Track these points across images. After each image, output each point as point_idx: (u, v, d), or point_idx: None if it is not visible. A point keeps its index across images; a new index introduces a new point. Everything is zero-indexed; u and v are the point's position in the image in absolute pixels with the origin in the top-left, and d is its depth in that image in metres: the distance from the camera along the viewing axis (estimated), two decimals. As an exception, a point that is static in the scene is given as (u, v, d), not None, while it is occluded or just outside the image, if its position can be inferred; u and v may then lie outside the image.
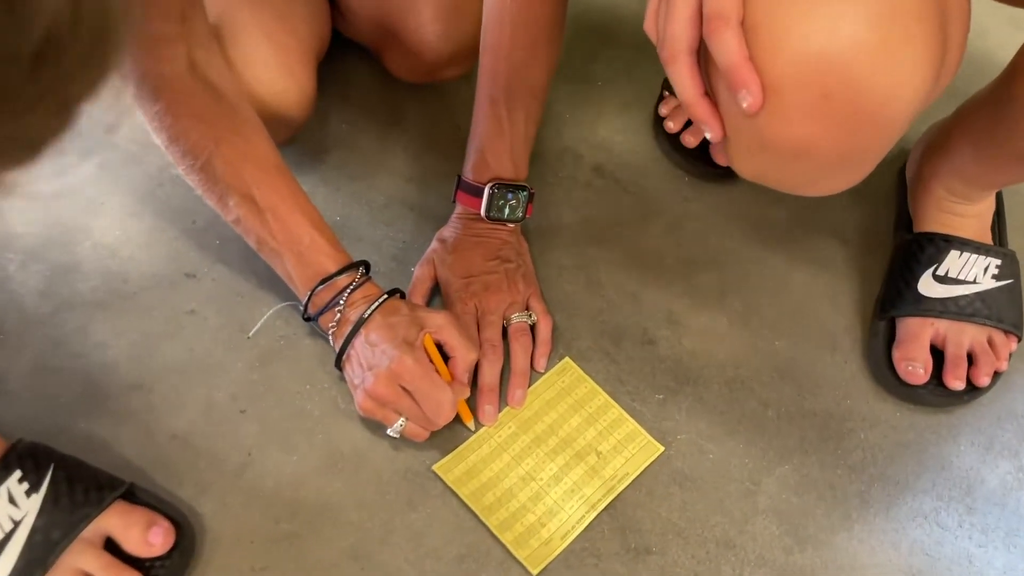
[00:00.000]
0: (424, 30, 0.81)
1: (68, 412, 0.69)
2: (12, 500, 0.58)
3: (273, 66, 0.75)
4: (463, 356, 0.67)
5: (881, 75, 0.44)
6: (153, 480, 0.66)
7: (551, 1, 0.70)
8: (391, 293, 0.67)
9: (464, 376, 0.67)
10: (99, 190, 0.82)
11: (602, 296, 0.80)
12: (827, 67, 0.44)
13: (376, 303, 0.66)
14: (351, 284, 0.67)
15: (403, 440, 0.68)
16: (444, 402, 0.64)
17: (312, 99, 0.79)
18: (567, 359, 0.75)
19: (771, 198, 0.87)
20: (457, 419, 0.69)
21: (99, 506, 0.61)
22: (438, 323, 0.66)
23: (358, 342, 0.65)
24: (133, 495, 0.63)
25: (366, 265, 0.69)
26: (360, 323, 0.65)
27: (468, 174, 0.75)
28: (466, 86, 0.82)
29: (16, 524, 0.58)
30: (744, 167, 0.52)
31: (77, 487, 0.61)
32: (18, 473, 0.60)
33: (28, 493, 0.59)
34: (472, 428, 0.70)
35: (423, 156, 0.88)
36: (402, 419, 0.65)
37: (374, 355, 0.64)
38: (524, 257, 0.77)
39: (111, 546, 0.61)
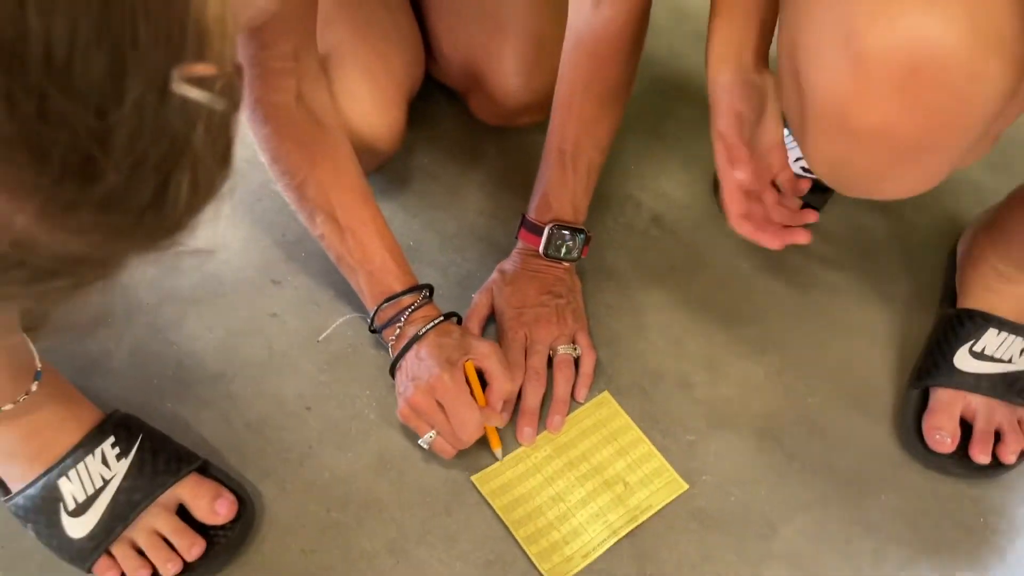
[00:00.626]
0: (506, 80, 0.89)
1: (159, 392, 0.78)
2: (105, 461, 0.67)
3: (370, 102, 0.84)
4: (499, 386, 0.73)
5: (970, 63, 0.46)
6: (225, 460, 0.75)
7: (620, 68, 0.77)
8: (447, 316, 0.75)
9: (497, 404, 0.73)
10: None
11: (646, 338, 0.85)
12: (920, 44, 0.46)
13: (432, 324, 0.73)
14: (413, 304, 0.74)
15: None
16: (469, 421, 0.70)
17: (402, 134, 0.87)
18: (606, 393, 0.81)
19: (822, 261, 0.91)
20: (485, 443, 0.75)
21: (176, 475, 0.69)
22: (482, 351, 0.73)
23: (410, 355, 0.73)
24: (206, 470, 0.71)
25: (430, 288, 0.76)
26: (415, 339, 0.73)
27: (531, 214, 0.82)
28: (540, 132, 0.89)
29: (106, 483, 0.67)
30: (818, 155, 0.55)
31: (159, 457, 0.69)
32: (112, 439, 0.68)
33: (118, 457, 0.68)
34: (498, 456, 0.76)
35: (496, 193, 0.96)
36: (432, 432, 0.72)
37: (419, 368, 0.71)
38: (575, 294, 0.83)
39: (182, 513, 0.69)
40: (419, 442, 0.73)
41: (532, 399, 0.77)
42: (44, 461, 0.67)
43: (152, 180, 0.31)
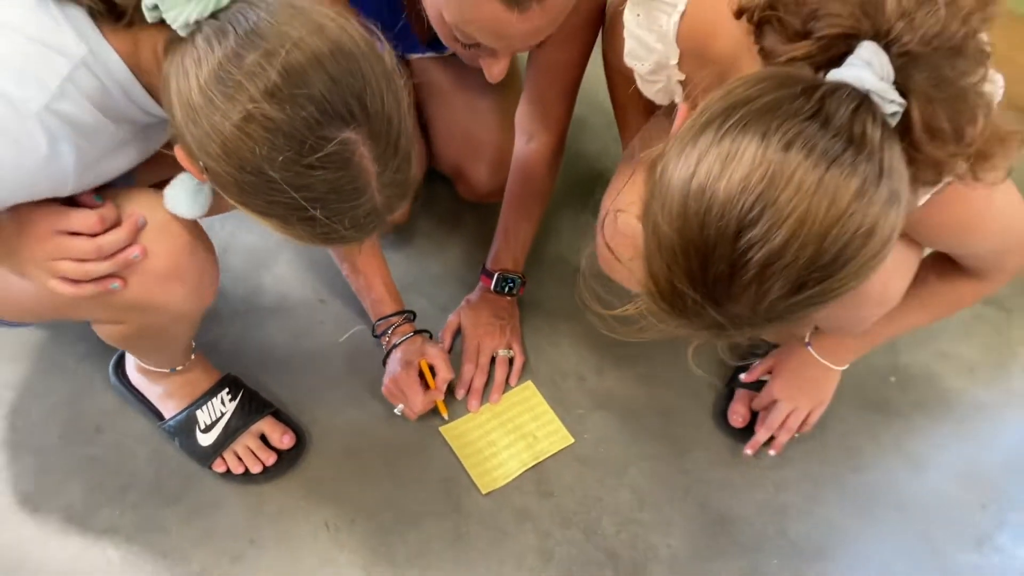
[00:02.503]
0: (480, 177, 1.36)
1: (249, 367, 1.24)
2: (222, 402, 1.14)
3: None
4: (443, 375, 1.19)
5: None
6: (289, 410, 1.21)
7: (543, 180, 1.24)
8: (418, 332, 1.21)
9: (442, 386, 1.19)
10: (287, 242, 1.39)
11: (559, 349, 1.31)
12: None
13: (405, 337, 1.20)
14: (397, 323, 1.21)
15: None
16: (415, 401, 1.16)
17: (409, 208, 1.33)
18: (529, 382, 1.27)
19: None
20: (436, 410, 1.21)
21: (260, 415, 1.15)
22: (432, 354, 1.19)
23: (391, 356, 1.19)
24: (278, 414, 1.18)
25: (412, 313, 1.23)
26: (394, 346, 1.20)
27: (488, 264, 1.29)
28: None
29: (222, 415, 1.13)
30: None
31: (252, 404, 1.16)
32: (226, 390, 1.15)
33: (229, 401, 1.14)
34: (445, 418, 1.21)
35: (471, 249, 1.42)
36: (401, 405, 1.18)
37: (393, 365, 1.18)
38: (514, 318, 1.30)
39: (264, 439, 1.16)
40: (394, 411, 1.20)
41: (478, 383, 1.23)
42: (188, 400, 1.13)
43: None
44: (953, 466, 1.24)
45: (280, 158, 0.68)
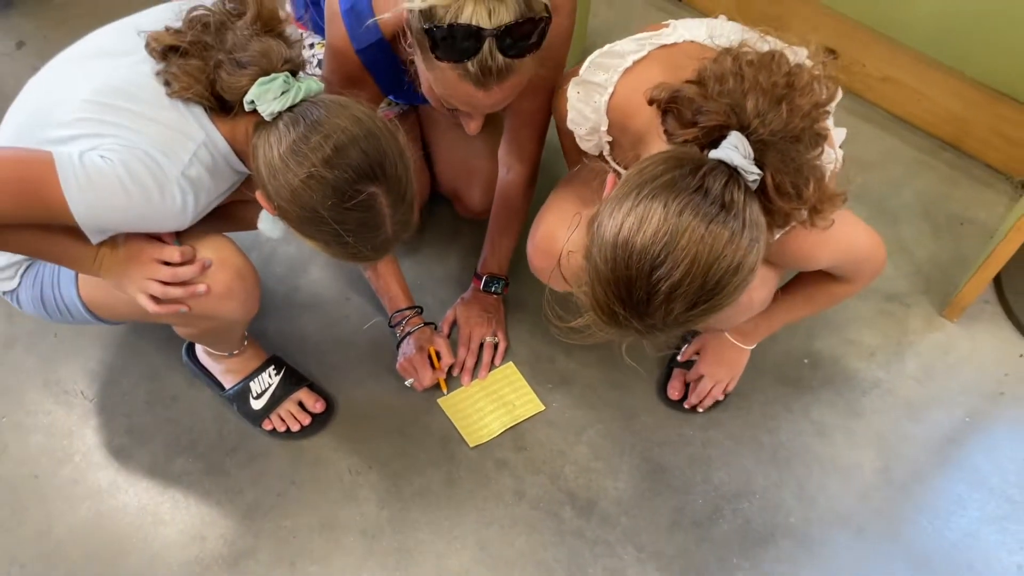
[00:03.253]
0: (474, 199, 1.68)
1: (290, 350, 1.58)
2: (269, 376, 1.48)
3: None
4: (445, 360, 1.53)
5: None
6: (321, 383, 1.54)
7: (521, 201, 1.56)
8: (427, 323, 1.54)
9: (444, 368, 1.52)
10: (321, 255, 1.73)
11: (537, 337, 1.63)
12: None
13: (416, 327, 1.53)
14: (410, 316, 1.54)
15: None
16: (423, 376, 1.50)
17: (416, 223, 1.66)
18: (511, 363, 1.59)
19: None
20: (438, 385, 1.54)
21: (298, 387, 1.49)
22: (439, 343, 1.53)
23: (406, 340, 1.53)
24: (312, 386, 1.51)
25: (420, 308, 1.56)
26: (407, 334, 1.53)
27: (478, 269, 1.62)
28: (491, 225, 1.68)
29: (269, 386, 1.47)
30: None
31: (292, 378, 1.50)
32: (272, 367, 1.49)
33: (274, 375, 1.48)
34: (444, 392, 1.54)
35: (467, 257, 1.75)
36: (411, 379, 1.51)
37: (407, 347, 1.52)
38: (500, 312, 1.62)
39: (301, 405, 1.49)
40: (405, 383, 1.53)
41: (469, 363, 1.56)
42: (243, 375, 1.47)
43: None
44: (852, 431, 1.54)
45: (329, 203, 1.02)
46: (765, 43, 1.01)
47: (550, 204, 1.35)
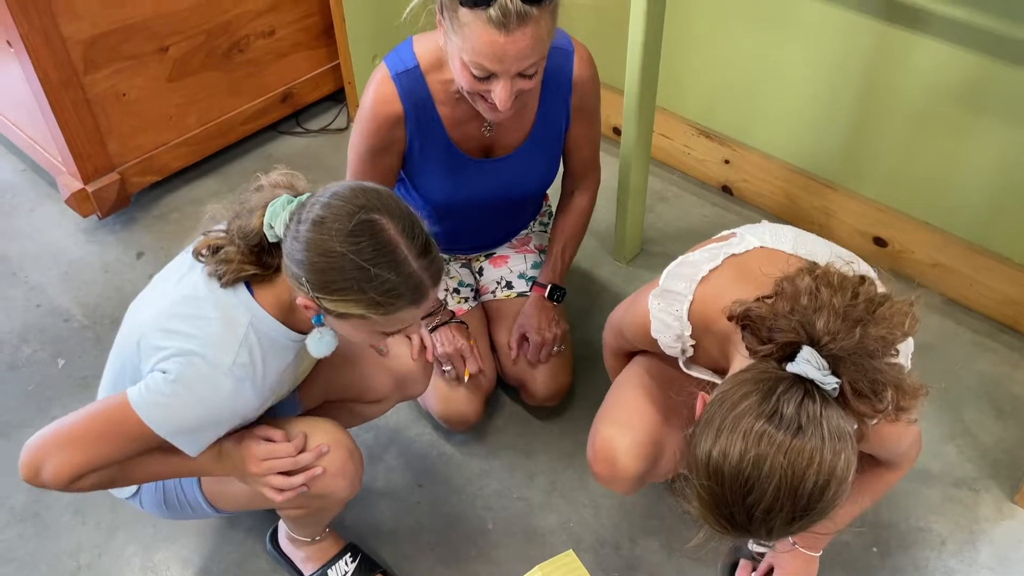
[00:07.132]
0: (538, 389, 1.79)
1: (365, 536, 1.66)
2: (346, 563, 1.56)
3: (464, 401, 1.75)
4: (471, 363, 1.69)
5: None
6: (395, 571, 1.61)
7: (581, 221, 1.78)
8: (455, 321, 1.72)
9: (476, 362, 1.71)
10: (392, 440, 1.84)
11: (603, 517, 1.68)
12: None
13: (450, 319, 1.70)
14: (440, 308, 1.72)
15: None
16: (470, 365, 1.69)
17: (479, 416, 1.77)
18: (571, 550, 1.61)
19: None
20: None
21: (373, 574, 1.57)
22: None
23: (440, 329, 1.70)
24: (385, 573, 1.59)
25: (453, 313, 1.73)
26: (442, 323, 1.71)
27: (540, 279, 1.78)
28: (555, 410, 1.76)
29: (345, 573, 1.55)
30: None
31: (367, 565, 1.57)
32: (349, 554, 1.57)
33: (350, 562, 1.56)
34: (465, 379, 1.71)
35: (547, 446, 1.83)
36: (450, 367, 1.68)
37: (455, 339, 1.71)
38: (562, 320, 1.76)
39: (374, 592, 1.56)
40: (443, 369, 1.67)
41: (531, 359, 1.76)
42: (321, 562, 1.56)
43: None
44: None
45: (340, 237, 1.05)
46: (851, 268, 1.07)
47: (612, 406, 1.43)
